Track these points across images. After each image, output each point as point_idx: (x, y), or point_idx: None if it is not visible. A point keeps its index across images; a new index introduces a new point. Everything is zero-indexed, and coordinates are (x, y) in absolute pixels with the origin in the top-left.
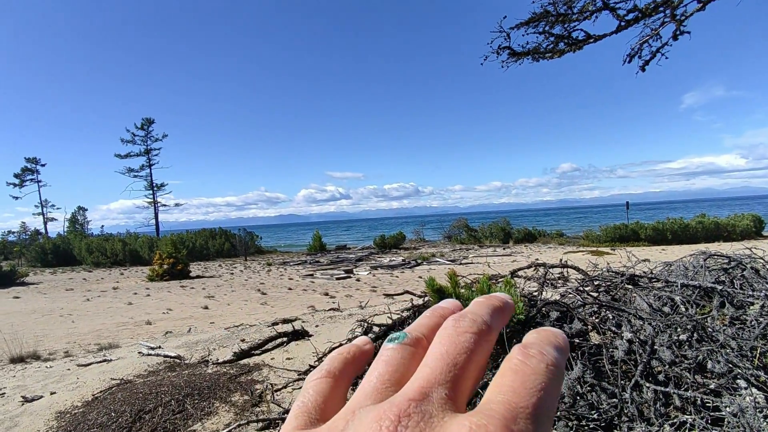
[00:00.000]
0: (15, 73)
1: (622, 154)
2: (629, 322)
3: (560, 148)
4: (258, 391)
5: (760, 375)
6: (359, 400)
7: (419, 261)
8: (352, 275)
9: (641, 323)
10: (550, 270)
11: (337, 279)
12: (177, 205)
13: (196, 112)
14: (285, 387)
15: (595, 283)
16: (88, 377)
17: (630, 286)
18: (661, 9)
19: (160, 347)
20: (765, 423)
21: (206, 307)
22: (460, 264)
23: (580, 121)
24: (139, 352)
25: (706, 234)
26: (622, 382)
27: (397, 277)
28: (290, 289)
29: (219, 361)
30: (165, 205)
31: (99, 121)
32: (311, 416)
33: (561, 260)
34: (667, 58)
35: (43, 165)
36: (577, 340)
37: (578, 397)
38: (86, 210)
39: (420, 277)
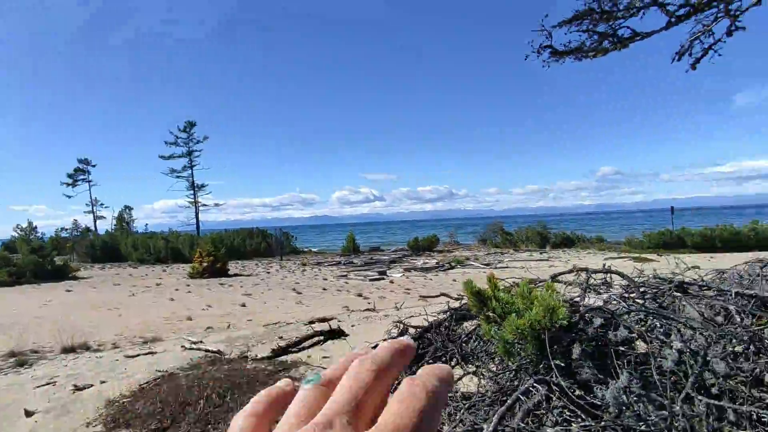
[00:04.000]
0: (65, 77)
1: (668, 156)
2: (679, 331)
3: (601, 150)
4: None
5: None
6: None
7: (453, 264)
8: (385, 277)
9: (692, 333)
10: (593, 275)
11: (371, 280)
12: (216, 205)
13: (235, 114)
14: None
15: (641, 289)
16: (135, 368)
17: (679, 294)
18: (715, 3)
19: (201, 342)
20: None
21: (244, 305)
22: (496, 268)
23: (622, 122)
24: (182, 346)
25: (758, 242)
26: (671, 393)
27: (430, 279)
28: (325, 289)
29: (258, 357)
30: (205, 205)
31: (144, 123)
32: None
33: (604, 265)
34: (720, 55)
35: (93, 166)
36: (623, 349)
37: (624, 408)
38: (132, 209)
39: (454, 281)
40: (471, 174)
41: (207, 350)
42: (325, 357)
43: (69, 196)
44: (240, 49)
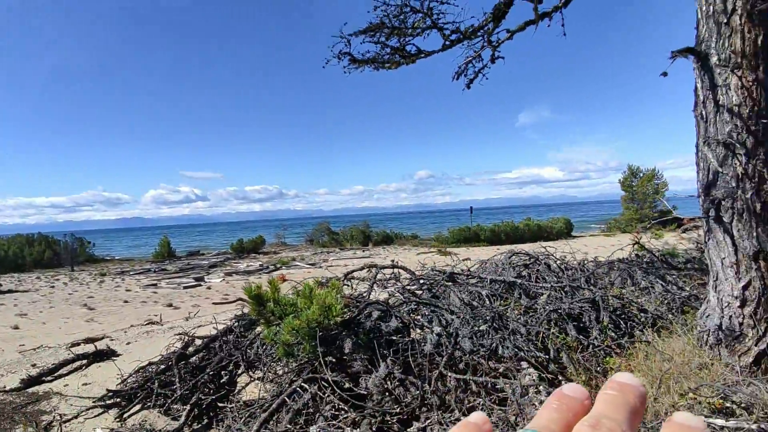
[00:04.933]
0: None
1: (470, 163)
2: (442, 316)
3: (417, 155)
4: (44, 423)
5: (540, 355)
6: None
7: (278, 266)
8: (203, 283)
9: (452, 317)
10: (382, 271)
11: (185, 288)
12: None
13: (13, 95)
14: (76, 417)
15: (421, 281)
16: None
17: (450, 283)
18: (479, 34)
19: None
20: (536, 398)
21: (16, 327)
22: (320, 267)
23: (435, 131)
24: None
25: (531, 235)
26: (430, 374)
27: (252, 283)
28: (126, 301)
29: (5, 388)
30: None
31: None
32: None
33: (393, 261)
34: (487, 78)
35: None
36: (395, 338)
37: (387, 393)
38: None
39: None
40: (301, 174)
41: None
42: (85, 384)
43: None
44: (30, 19)
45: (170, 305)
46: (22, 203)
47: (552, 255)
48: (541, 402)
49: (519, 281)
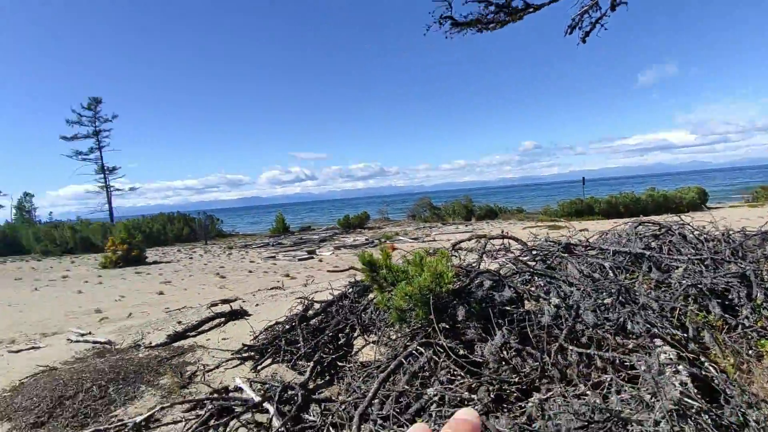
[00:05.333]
0: None
1: (581, 131)
2: (559, 287)
3: (522, 126)
4: (188, 372)
5: (676, 333)
6: None
7: (383, 240)
8: (315, 256)
9: (570, 289)
10: (492, 241)
11: (300, 260)
12: (132, 189)
13: (152, 92)
14: (218, 367)
15: (533, 252)
16: (18, 364)
17: (565, 255)
18: None
19: (90, 333)
20: (674, 378)
21: (161, 293)
22: (423, 242)
23: (541, 99)
24: (68, 339)
25: (655, 207)
26: (548, 346)
27: (359, 256)
28: (251, 271)
29: (152, 344)
30: (119, 190)
31: (45, 101)
32: None
33: (502, 231)
34: (606, 29)
35: None
36: (509, 308)
37: (503, 362)
38: (32, 196)
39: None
40: (402, 151)
41: (95, 342)
42: (224, 339)
43: None
44: (156, 17)
45: (287, 275)
46: (162, 186)
47: (688, 224)
48: (682, 383)
49: (648, 253)
